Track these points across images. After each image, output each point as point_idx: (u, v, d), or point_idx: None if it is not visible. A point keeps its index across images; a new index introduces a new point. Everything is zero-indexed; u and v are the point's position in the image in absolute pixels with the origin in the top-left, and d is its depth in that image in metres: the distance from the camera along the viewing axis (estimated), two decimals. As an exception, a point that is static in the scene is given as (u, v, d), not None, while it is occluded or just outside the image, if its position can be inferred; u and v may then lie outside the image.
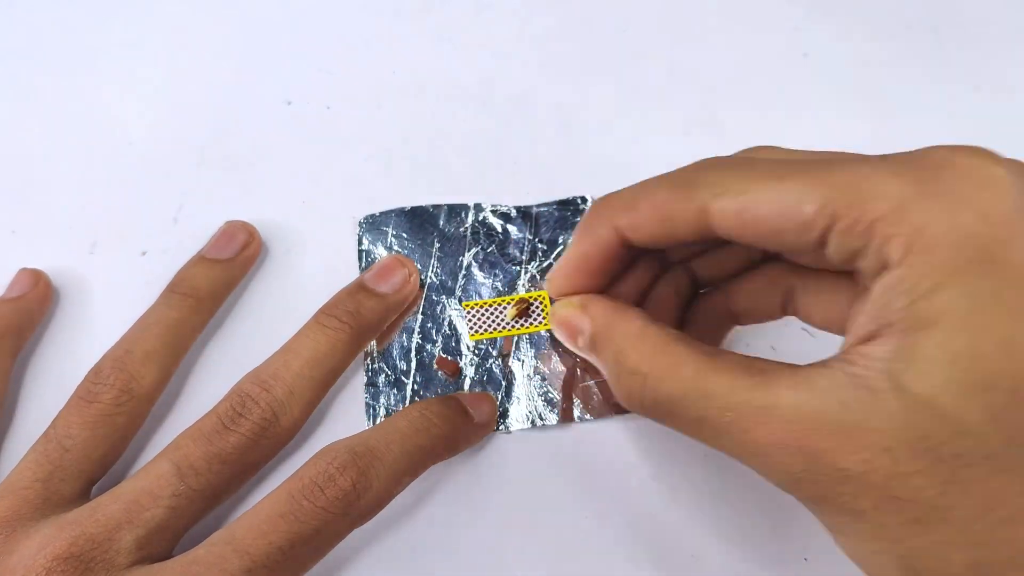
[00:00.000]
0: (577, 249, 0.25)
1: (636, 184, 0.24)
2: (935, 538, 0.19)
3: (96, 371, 0.28)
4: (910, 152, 0.20)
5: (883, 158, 0.20)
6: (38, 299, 0.31)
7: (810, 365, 0.20)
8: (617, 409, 0.30)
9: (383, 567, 0.28)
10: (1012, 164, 0.19)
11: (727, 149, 0.37)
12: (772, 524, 0.28)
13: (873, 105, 0.38)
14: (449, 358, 0.31)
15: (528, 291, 0.32)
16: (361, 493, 0.25)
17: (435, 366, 0.31)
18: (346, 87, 0.38)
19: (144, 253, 0.34)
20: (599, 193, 0.35)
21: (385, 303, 0.31)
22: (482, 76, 0.39)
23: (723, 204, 0.21)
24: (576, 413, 0.30)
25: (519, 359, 0.31)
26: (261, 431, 0.27)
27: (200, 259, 0.32)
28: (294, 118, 0.37)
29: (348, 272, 0.33)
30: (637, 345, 0.23)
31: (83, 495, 0.26)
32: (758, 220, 0.21)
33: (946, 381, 0.18)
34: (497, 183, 0.36)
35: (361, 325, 0.30)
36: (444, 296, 0.32)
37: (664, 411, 0.22)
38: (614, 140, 0.37)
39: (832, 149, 0.23)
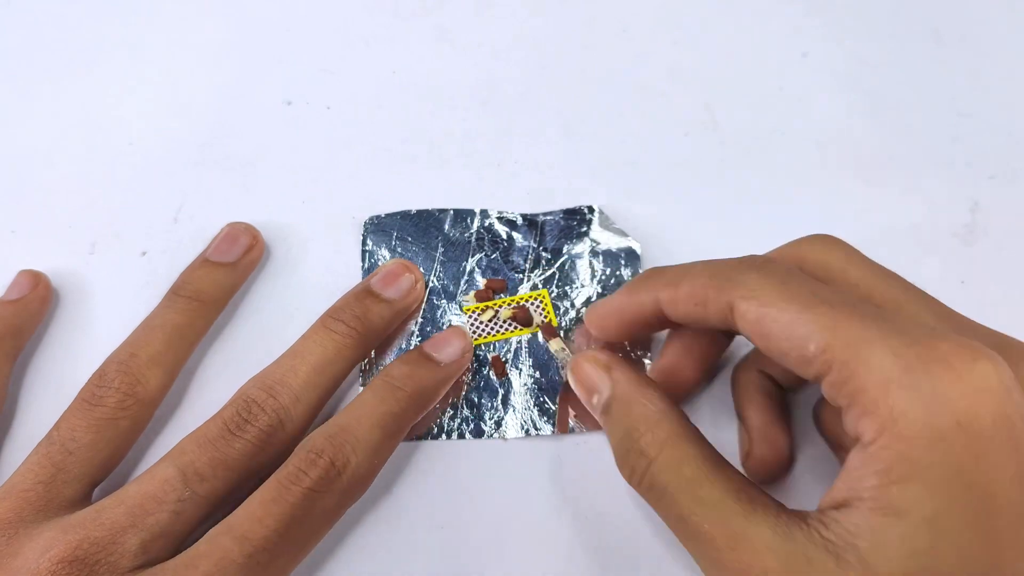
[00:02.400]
0: (617, 301, 0.28)
1: (685, 264, 0.26)
2: None
3: (100, 374, 0.28)
4: (924, 334, 0.20)
5: (899, 327, 0.21)
6: (38, 301, 0.31)
7: (793, 513, 0.22)
8: None
9: (383, 569, 0.28)
10: (1008, 371, 0.20)
11: (727, 149, 0.37)
12: (772, 524, 0.28)
13: (873, 105, 0.39)
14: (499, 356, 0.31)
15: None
16: (341, 470, 0.26)
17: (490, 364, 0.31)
18: (346, 87, 0.38)
19: (144, 253, 0.34)
20: (603, 195, 0.35)
21: (392, 308, 0.31)
22: (482, 76, 0.39)
23: (746, 308, 0.23)
24: (571, 424, 0.30)
25: (517, 368, 0.31)
26: (267, 438, 0.27)
27: (204, 262, 0.32)
28: (294, 118, 0.37)
29: (348, 272, 0.33)
30: (653, 428, 0.24)
31: (85, 498, 0.26)
32: (770, 335, 0.22)
33: (904, 572, 0.19)
34: (497, 183, 0.36)
35: (367, 330, 0.30)
36: (445, 300, 0.32)
37: (655, 497, 0.24)
38: (614, 140, 0.37)
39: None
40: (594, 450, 0.30)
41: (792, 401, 0.30)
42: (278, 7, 0.40)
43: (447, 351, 0.30)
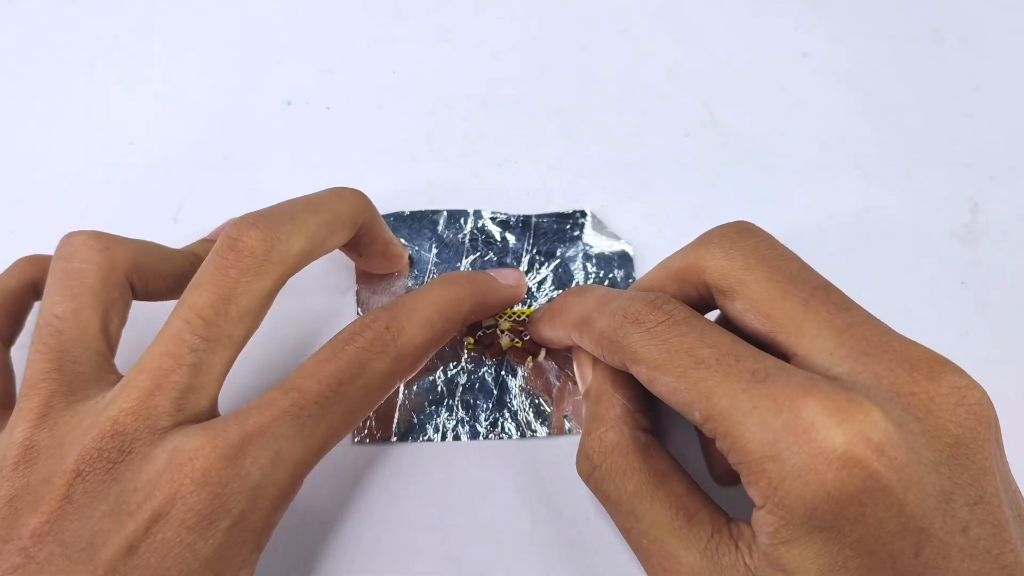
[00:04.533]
0: (542, 330, 0.29)
1: (593, 304, 0.26)
2: None
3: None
4: (788, 393, 0.20)
5: (767, 390, 0.20)
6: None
7: (729, 530, 0.23)
8: None
9: (383, 570, 0.28)
10: (873, 426, 0.19)
11: (727, 149, 0.37)
12: (772, 524, 0.28)
13: (873, 105, 0.39)
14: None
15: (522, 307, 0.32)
16: (396, 334, 0.26)
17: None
18: (346, 87, 0.38)
19: (144, 253, 0.34)
20: (603, 195, 0.35)
21: (500, 297, 0.31)
22: (482, 76, 0.39)
23: (637, 370, 0.23)
24: (567, 426, 0.30)
25: (512, 370, 0.31)
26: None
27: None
28: (294, 118, 0.37)
29: (348, 271, 0.33)
30: (603, 435, 0.25)
31: (101, 369, 0.25)
32: (664, 398, 0.23)
33: None
34: (497, 183, 0.36)
35: (476, 303, 0.29)
36: None
37: (602, 500, 0.25)
38: (614, 140, 0.37)
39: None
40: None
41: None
42: (278, 7, 0.40)
43: (504, 277, 0.31)
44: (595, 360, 0.27)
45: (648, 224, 0.35)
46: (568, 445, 0.30)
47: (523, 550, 0.28)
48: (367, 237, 0.29)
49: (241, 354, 0.31)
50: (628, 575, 0.28)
